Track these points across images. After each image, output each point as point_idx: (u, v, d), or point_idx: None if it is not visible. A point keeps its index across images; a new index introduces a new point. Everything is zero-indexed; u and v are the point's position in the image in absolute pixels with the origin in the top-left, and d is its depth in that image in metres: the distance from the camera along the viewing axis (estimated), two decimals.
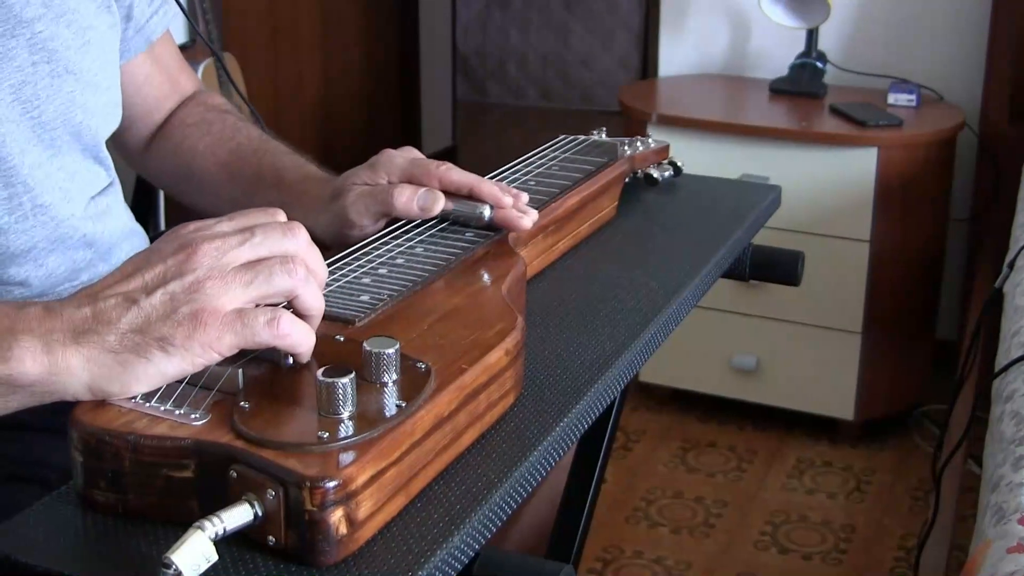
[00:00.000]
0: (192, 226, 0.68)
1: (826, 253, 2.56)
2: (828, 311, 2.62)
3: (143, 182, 2.41)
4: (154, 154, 1.17)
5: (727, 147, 2.61)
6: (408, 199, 0.89)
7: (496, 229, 0.90)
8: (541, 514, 1.11)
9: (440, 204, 0.90)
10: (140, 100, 1.13)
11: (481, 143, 5.10)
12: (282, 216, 0.71)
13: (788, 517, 2.43)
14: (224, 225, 0.68)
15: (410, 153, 0.96)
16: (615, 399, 0.84)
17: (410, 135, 4.39)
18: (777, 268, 1.16)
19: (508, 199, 0.90)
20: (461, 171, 0.93)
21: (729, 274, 1.12)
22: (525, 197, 0.92)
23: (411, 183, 0.92)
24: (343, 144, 3.89)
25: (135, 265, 0.67)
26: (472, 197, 0.91)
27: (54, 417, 0.68)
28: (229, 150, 1.11)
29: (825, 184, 2.54)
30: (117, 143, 1.20)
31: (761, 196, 1.19)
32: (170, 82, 1.17)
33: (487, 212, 0.90)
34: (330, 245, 0.95)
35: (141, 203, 2.42)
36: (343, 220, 0.93)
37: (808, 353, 2.67)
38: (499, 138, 5.32)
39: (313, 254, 0.69)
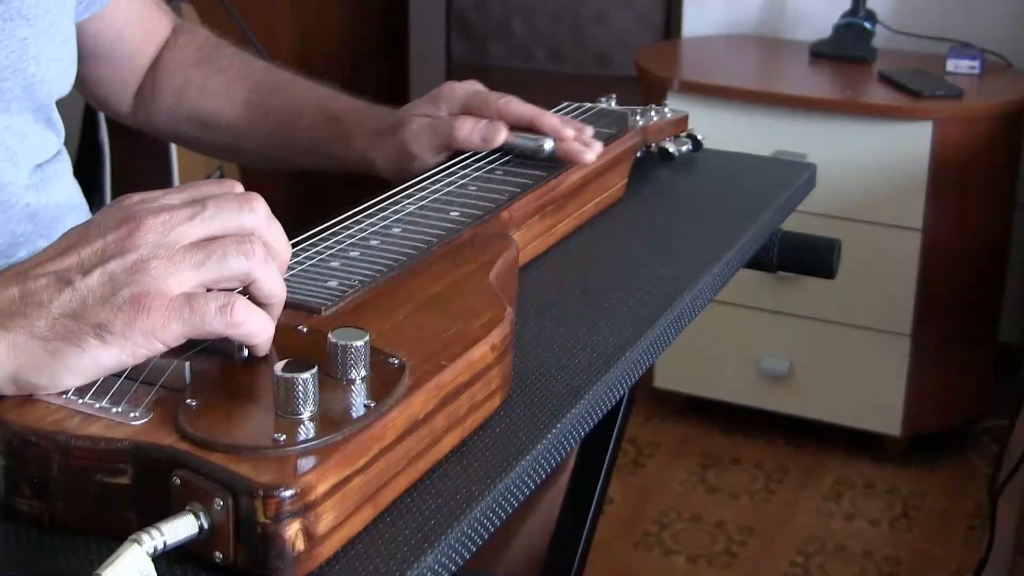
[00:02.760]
0: (136, 197, 0.68)
1: (871, 242, 2.56)
2: (872, 309, 2.63)
3: (86, 150, 2.40)
4: (152, 104, 1.20)
5: (759, 120, 2.62)
6: (470, 130, 1.01)
7: (549, 168, 0.98)
8: (534, 538, 1.12)
9: (502, 135, 1.00)
10: (121, 45, 1.16)
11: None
12: (239, 187, 0.71)
13: (823, 546, 2.44)
14: (172, 197, 0.68)
15: (472, 85, 1.06)
16: (620, 403, 0.84)
17: (397, 100, 4.37)
18: (809, 258, 1.17)
19: (570, 131, 1.01)
20: (522, 103, 1.03)
21: (755, 264, 1.13)
22: (590, 130, 1.03)
23: (471, 115, 1.02)
24: None
25: (70, 240, 0.67)
26: (534, 130, 1.01)
27: None
28: (248, 87, 1.16)
29: (872, 163, 2.55)
30: (100, 102, 1.21)
31: (793, 175, 1.20)
32: (151, 21, 1.20)
33: (548, 144, 1.00)
34: (390, 180, 1.04)
35: (85, 174, 2.41)
36: (404, 152, 1.04)
37: (848, 358, 2.67)
38: None
39: (274, 231, 0.69)
